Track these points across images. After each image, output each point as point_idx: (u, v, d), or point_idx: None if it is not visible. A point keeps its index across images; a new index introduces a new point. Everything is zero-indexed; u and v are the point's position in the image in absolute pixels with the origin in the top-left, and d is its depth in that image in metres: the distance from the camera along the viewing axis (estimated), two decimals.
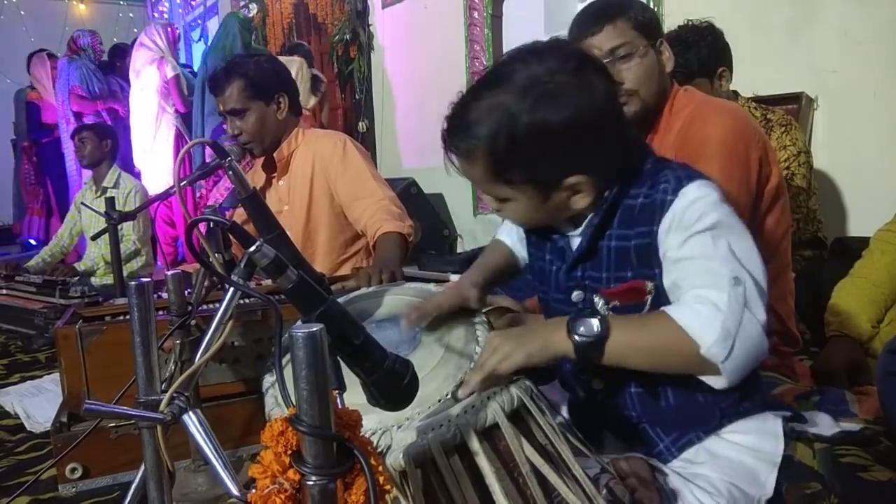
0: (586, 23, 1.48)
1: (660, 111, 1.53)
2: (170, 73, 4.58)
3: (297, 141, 2.20)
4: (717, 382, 0.89)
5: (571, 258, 1.03)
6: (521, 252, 1.24)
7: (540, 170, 0.94)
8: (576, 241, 1.03)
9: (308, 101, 4.54)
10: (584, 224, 1.01)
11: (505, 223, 1.26)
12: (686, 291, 0.90)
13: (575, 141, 0.91)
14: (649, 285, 0.95)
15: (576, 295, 1.03)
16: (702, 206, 0.92)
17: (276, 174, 2.25)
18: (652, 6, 3.13)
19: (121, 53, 5.56)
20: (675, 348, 0.88)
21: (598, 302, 0.99)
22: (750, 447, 1.00)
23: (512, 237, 1.26)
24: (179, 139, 4.61)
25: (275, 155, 2.20)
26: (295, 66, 4.34)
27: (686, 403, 1.01)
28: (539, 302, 1.19)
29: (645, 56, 1.48)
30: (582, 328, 0.90)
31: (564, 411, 1.16)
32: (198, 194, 4.31)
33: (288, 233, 2.26)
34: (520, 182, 0.95)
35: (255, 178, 2.34)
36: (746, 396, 1.03)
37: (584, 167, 0.94)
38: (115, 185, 3.61)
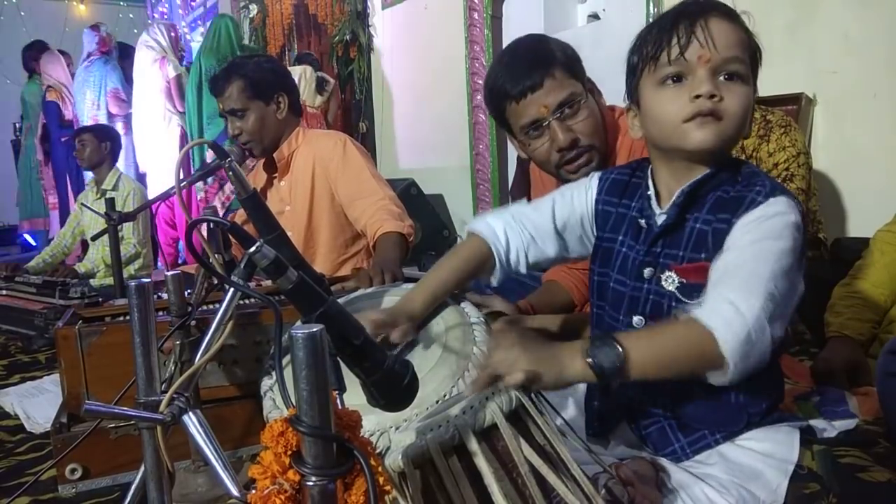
0: (520, 78, 1.35)
1: (611, 150, 1.47)
2: (171, 74, 4.58)
3: (297, 141, 2.21)
4: (717, 379, 0.90)
5: (658, 230, 1.04)
6: (506, 244, 1.16)
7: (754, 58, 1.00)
8: (661, 219, 1.05)
9: (314, 100, 4.56)
10: (675, 195, 1.03)
11: (518, 209, 1.19)
12: (720, 291, 0.91)
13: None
14: None
15: (647, 272, 1.05)
16: (781, 222, 0.94)
17: (276, 174, 2.25)
18: (652, 7, 3.13)
19: (121, 54, 5.55)
20: (696, 348, 0.88)
21: (668, 278, 1.02)
22: (763, 453, 1.01)
23: (513, 225, 1.16)
24: (184, 141, 4.60)
25: (275, 155, 2.20)
26: (297, 71, 4.37)
27: (718, 402, 1.02)
28: (591, 286, 1.17)
29: (587, 101, 1.39)
30: (602, 356, 0.87)
31: (582, 394, 1.17)
32: (199, 196, 4.30)
33: (289, 233, 2.28)
34: (750, 61, 0.99)
35: (257, 178, 2.34)
36: (773, 408, 1.05)
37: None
38: (115, 188, 3.59)
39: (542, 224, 1.17)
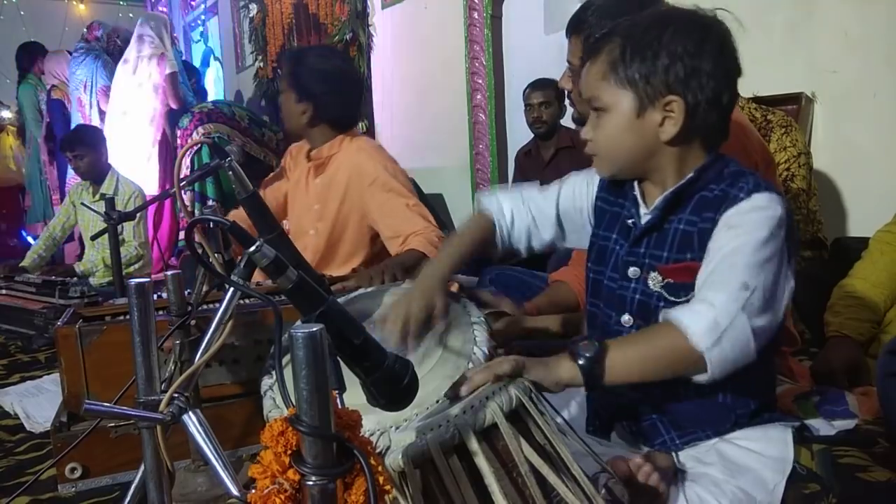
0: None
1: None
2: (167, 71, 4.48)
3: (339, 146, 2.17)
4: (701, 377, 0.91)
5: (639, 231, 1.06)
6: (510, 222, 1.21)
7: (653, 75, 0.98)
8: (645, 220, 1.07)
9: None
10: (658, 200, 1.04)
11: (514, 192, 1.24)
12: (701, 292, 0.94)
13: (696, 65, 0.96)
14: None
15: (632, 271, 1.06)
16: (762, 217, 0.94)
17: (312, 167, 2.23)
18: None
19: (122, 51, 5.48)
20: (668, 343, 0.91)
21: (654, 278, 1.03)
22: (760, 453, 1.02)
23: (520, 206, 1.22)
24: (164, 143, 4.53)
25: (313, 153, 2.21)
26: None
27: (705, 401, 1.03)
28: (587, 284, 1.18)
29: None
30: (583, 349, 0.92)
31: (580, 398, 1.18)
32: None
33: (311, 232, 2.27)
34: (628, 83, 0.99)
35: (298, 159, 2.30)
36: (763, 409, 1.06)
37: (689, 95, 0.97)
38: (115, 192, 3.48)
39: (545, 208, 1.21)
